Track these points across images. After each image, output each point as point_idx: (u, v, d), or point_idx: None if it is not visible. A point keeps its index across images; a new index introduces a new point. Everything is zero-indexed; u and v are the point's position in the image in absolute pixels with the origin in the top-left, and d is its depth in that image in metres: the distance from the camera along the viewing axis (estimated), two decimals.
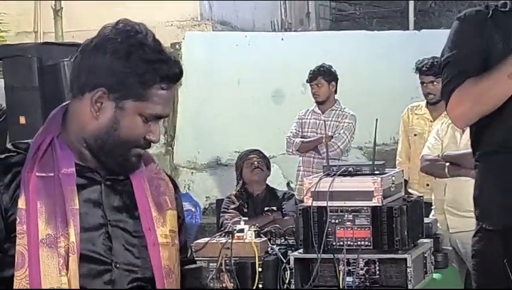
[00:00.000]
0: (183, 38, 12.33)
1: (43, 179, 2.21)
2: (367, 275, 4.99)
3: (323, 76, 8.12)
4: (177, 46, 12.13)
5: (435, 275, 5.50)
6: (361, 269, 4.99)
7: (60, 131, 2.29)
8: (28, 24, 14.16)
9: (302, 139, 8.30)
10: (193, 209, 9.07)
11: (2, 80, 9.57)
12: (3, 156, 2.30)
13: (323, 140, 7.68)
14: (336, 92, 8.30)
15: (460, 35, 3.48)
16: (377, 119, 5.78)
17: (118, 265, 2.24)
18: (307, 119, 8.44)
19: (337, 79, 8.21)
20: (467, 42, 3.42)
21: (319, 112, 8.38)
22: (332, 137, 8.06)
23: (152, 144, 2.41)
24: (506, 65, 3.15)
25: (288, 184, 9.43)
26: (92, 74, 2.21)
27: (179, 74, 2.30)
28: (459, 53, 3.39)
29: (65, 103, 2.35)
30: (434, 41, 7.56)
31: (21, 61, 9.38)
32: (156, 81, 2.20)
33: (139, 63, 2.20)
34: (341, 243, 4.98)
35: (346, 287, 4.96)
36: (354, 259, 4.95)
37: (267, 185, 7.61)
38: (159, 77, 2.21)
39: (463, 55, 3.37)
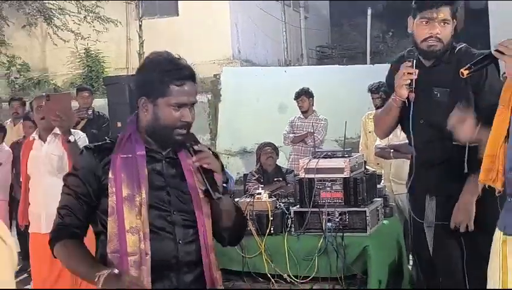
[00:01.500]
0: (222, 71, 13.25)
1: (125, 159, 2.75)
2: (340, 222, 5.58)
3: (305, 94, 9.10)
4: (217, 77, 13.07)
5: (384, 221, 6.08)
6: (337, 218, 5.58)
7: (135, 128, 2.81)
8: (122, 63, 15.33)
9: (293, 135, 9.18)
10: (230, 179, 9.60)
11: (106, 99, 11.06)
12: (101, 143, 2.92)
13: (308, 135, 8.81)
14: (313, 104, 9.22)
15: (388, 78, 4.08)
16: (346, 122, 6.71)
17: (174, 212, 2.76)
18: (295, 122, 9.33)
19: (313, 96, 9.14)
20: (388, 83, 4.06)
21: (303, 117, 9.26)
22: (314, 133, 8.67)
23: (198, 137, 2.99)
24: (389, 102, 3.78)
25: None
26: (138, 88, 2.82)
27: (188, 74, 2.73)
28: (388, 88, 4.02)
29: (136, 111, 2.84)
30: (382, 72, 8.87)
31: (118, 87, 10.31)
32: (172, 81, 2.68)
33: (159, 72, 2.69)
34: (323, 201, 5.65)
35: (326, 230, 5.52)
36: (331, 211, 5.60)
37: (276, 164, 8.25)
38: (173, 78, 2.70)
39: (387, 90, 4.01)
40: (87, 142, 5.11)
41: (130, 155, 2.73)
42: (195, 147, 2.74)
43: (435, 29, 3.62)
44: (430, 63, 3.76)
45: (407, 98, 3.62)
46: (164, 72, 2.69)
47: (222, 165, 2.93)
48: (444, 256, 3.75)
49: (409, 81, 3.57)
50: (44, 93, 5.63)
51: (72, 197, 2.77)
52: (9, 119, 9.27)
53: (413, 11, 3.73)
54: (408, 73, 3.55)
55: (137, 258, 2.68)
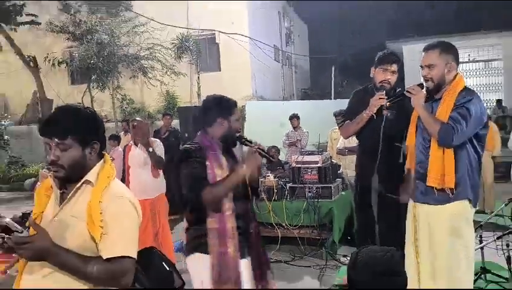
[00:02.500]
0: (246, 104, 13.07)
1: (214, 155, 2.69)
2: (316, 193, 5.71)
3: (295, 117, 8.87)
4: (243, 107, 12.79)
5: (342, 192, 6.19)
6: (314, 190, 5.72)
7: (210, 137, 2.75)
8: (187, 99, 15.15)
9: (288, 141, 8.87)
10: None
11: (178, 120, 10.90)
12: (192, 146, 2.73)
13: (297, 141, 8.69)
14: (299, 123, 8.91)
15: (350, 101, 3.87)
16: (319, 134, 7.16)
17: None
18: (289, 133, 8.95)
19: (299, 118, 8.88)
20: (351, 104, 3.83)
21: (294, 131, 8.92)
22: (300, 140, 8.70)
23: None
24: (362, 115, 3.54)
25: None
26: (213, 114, 2.76)
27: (236, 103, 2.83)
28: (347, 110, 3.87)
29: (205, 128, 2.76)
30: (341, 104, 8.23)
31: (185, 113, 10.26)
32: (233, 107, 2.80)
33: (225, 103, 2.77)
34: (306, 180, 5.81)
35: (308, 197, 5.66)
36: (311, 186, 5.74)
37: (278, 158, 7.89)
38: (233, 105, 2.81)
39: (348, 109, 3.83)
40: (162, 148, 5.33)
41: (215, 152, 2.71)
42: (248, 141, 2.78)
43: (387, 76, 3.53)
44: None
45: (381, 114, 3.48)
46: (228, 103, 2.81)
47: None
48: (384, 210, 3.56)
49: (382, 103, 3.42)
50: (137, 119, 5.68)
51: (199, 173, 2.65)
52: (122, 132, 9.32)
53: (376, 63, 3.62)
54: (380, 98, 3.41)
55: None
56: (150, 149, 5.08)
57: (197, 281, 2.70)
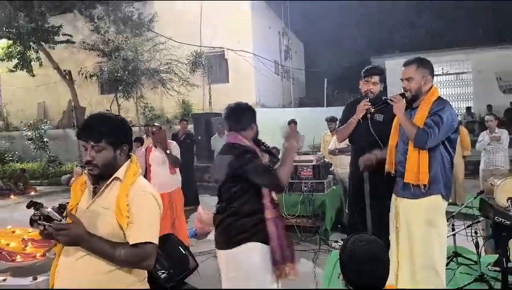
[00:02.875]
0: None
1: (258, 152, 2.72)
2: (311, 187, 5.73)
3: (293, 122, 8.42)
4: None
5: (333, 187, 6.20)
6: (309, 185, 5.74)
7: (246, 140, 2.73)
8: (200, 107, 15.02)
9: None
10: None
11: (193, 125, 10.94)
12: (245, 146, 2.71)
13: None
14: (296, 127, 8.38)
15: (343, 111, 3.86)
16: (313, 137, 7.07)
17: None
18: None
19: (297, 123, 8.43)
20: (344, 113, 3.80)
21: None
22: (298, 142, 9.00)
23: None
24: (351, 120, 3.55)
25: None
26: (247, 120, 2.77)
27: None
28: (342, 119, 3.84)
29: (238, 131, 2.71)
30: (332, 112, 8.55)
31: (199, 119, 10.57)
32: (255, 114, 2.84)
33: (253, 113, 2.85)
34: (303, 176, 5.81)
35: (304, 191, 5.69)
36: (306, 181, 5.75)
37: (278, 158, 8.48)
38: (255, 116, 2.86)
39: (343, 118, 3.80)
40: (178, 149, 5.44)
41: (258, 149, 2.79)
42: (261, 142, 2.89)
43: (370, 86, 3.56)
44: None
45: (367, 118, 3.49)
46: (255, 110, 2.90)
47: None
48: (374, 201, 3.49)
49: (366, 109, 3.45)
50: (156, 124, 5.86)
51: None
52: (144, 135, 9.33)
53: (361, 76, 3.64)
54: (365, 105, 3.44)
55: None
56: (168, 151, 5.19)
57: (253, 269, 2.52)
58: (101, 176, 1.86)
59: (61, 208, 1.75)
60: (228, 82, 15.62)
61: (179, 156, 5.42)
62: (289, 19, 19.45)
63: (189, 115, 14.16)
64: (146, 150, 5.59)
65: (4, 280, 4.71)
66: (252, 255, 2.53)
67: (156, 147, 5.38)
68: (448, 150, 2.83)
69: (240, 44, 14.92)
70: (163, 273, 3.82)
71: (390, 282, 2.77)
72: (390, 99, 2.94)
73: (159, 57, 14.85)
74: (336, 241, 5.50)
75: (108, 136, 1.83)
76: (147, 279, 1.95)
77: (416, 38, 20.84)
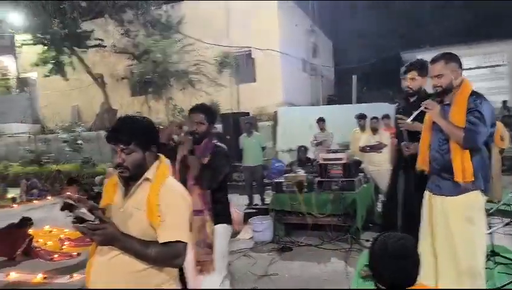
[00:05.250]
0: (278, 109, 13.02)
1: None
2: (341, 185, 5.59)
3: (321, 120, 8.67)
4: (276, 112, 12.87)
5: (364, 185, 6.04)
6: (339, 184, 5.61)
7: None
8: (228, 107, 14.81)
9: (316, 141, 8.60)
10: (282, 164, 9.59)
11: (221, 124, 10.93)
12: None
13: (323, 141, 8.44)
14: (325, 125, 8.68)
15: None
16: (343, 134, 7.14)
17: None
18: (317, 134, 8.70)
19: (325, 121, 8.66)
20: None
21: (320, 132, 8.70)
22: (326, 140, 8.45)
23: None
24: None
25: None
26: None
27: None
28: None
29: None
30: (361, 109, 8.66)
31: (227, 119, 10.67)
32: None
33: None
34: (332, 175, 5.70)
35: (334, 190, 5.57)
36: (336, 180, 5.63)
37: (306, 156, 8.12)
38: None
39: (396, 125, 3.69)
40: None
41: None
42: None
43: (407, 83, 3.50)
44: (412, 99, 3.52)
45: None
46: None
47: None
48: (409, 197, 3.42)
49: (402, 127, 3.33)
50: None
51: None
52: (175, 135, 9.44)
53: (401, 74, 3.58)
54: (400, 122, 3.35)
55: None
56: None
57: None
58: (132, 177, 1.89)
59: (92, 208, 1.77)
60: (255, 81, 15.64)
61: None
62: (316, 16, 19.30)
63: (217, 115, 14.28)
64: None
65: (44, 278, 4.92)
66: (225, 233, 3.07)
67: None
68: (487, 144, 2.77)
69: (267, 43, 14.89)
70: None
71: (426, 282, 2.73)
72: (425, 107, 2.88)
73: (188, 58, 15.04)
74: (368, 240, 5.37)
75: (137, 138, 1.86)
76: (178, 277, 1.97)
77: (448, 31, 20.22)
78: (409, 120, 3.12)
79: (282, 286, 4.15)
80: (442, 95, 2.85)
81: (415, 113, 3.05)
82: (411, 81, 3.49)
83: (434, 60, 2.85)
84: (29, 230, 6.13)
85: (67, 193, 11.72)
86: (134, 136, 1.86)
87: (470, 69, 16.04)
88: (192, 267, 2.81)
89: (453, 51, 2.94)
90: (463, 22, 20.88)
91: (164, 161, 1.97)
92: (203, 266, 2.84)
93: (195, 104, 3.14)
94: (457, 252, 2.72)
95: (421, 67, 3.50)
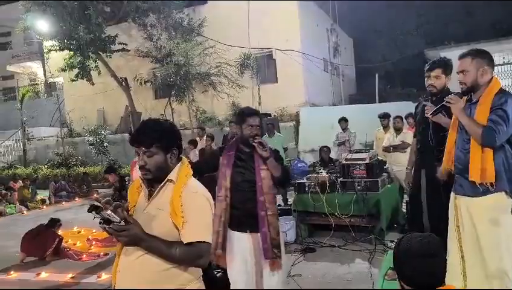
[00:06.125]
0: (300, 110, 13.12)
1: None
2: (364, 187, 5.53)
3: (344, 120, 8.63)
4: (298, 112, 12.95)
5: (388, 185, 6.01)
6: (363, 184, 5.55)
7: None
8: (250, 105, 15.57)
9: (338, 141, 8.62)
10: (305, 165, 9.21)
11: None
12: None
13: (346, 141, 8.43)
14: (347, 125, 8.67)
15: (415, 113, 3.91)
16: (366, 134, 6.83)
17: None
18: (339, 134, 8.68)
19: (348, 120, 8.65)
20: (416, 116, 3.86)
21: (343, 132, 8.63)
22: (348, 140, 8.42)
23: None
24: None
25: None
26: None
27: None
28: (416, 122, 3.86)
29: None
30: (384, 108, 8.34)
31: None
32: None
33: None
34: (355, 175, 5.65)
35: (357, 190, 5.49)
36: (359, 180, 5.57)
37: (329, 156, 8.05)
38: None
39: (417, 122, 3.83)
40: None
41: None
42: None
43: (431, 81, 3.44)
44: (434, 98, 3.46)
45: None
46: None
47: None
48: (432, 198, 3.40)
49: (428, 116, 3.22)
50: None
51: None
52: (197, 137, 9.51)
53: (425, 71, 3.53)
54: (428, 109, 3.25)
55: None
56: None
57: None
58: (155, 179, 1.92)
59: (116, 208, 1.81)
60: (277, 82, 15.63)
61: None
62: (337, 15, 19.15)
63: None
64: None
65: (72, 278, 5.04)
66: None
67: None
68: (511, 144, 2.68)
69: (287, 43, 14.86)
70: (218, 272, 3.94)
71: (454, 283, 2.67)
72: (447, 101, 2.81)
73: (209, 60, 15.15)
74: (392, 241, 5.29)
75: (159, 141, 1.89)
76: (201, 278, 1.98)
77: (473, 27, 19.74)
78: (429, 114, 3.07)
79: (305, 286, 4.13)
80: (468, 92, 2.79)
81: (437, 106, 3.00)
82: (435, 79, 3.44)
83: (461, 56, 2.80)
84: (59, 231, 6.29)
85: (95, 195, 11.98)
86: (156, 139, 1.88)
87: (498, 65, 15.61)
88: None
89: (479, 47, 2.87)
90: (489, 17, 20.31)
91: (186, 163, 1.99)
92: (273, 264, 2.90)
93: (249, 108, 3.17)
94: (484, 255, 2.67)
95: (446, 66, 3.43)
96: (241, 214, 2.91)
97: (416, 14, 21.80)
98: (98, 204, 1.77)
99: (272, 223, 2.91)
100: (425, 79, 3.51)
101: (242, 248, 2.92)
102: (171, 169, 1.93)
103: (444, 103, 2.87)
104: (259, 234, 2.91)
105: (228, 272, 2.98)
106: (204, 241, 1.84)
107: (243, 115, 3.00)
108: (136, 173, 4.42)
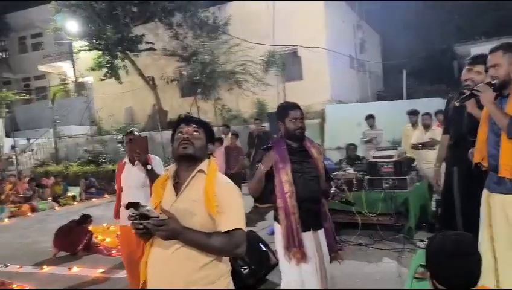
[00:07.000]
0: (325, 107, 13.07)
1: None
2: (392, 185, 5.45)
3: (371, 117, 8.47)
4: (323, 109, 12.87)
5: (417, 183, 5.88)
6: (391, 182, 5.47)
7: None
8: (275, 104, 15.65)
9: (365, 139, 8.45)
10: (331, 163, 9.10)
11: (268, 123, 11.07)
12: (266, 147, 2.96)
13: (373, 139, 8.27)
14: (374, 122, 8.50)
15: (446, 109, 3.87)
16: (394, 131, 7.01)
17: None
18: (366, 132, 8.52)
19: (375, 118, 8.49)
20: (448, 113, 3.78)
21: (370, 129, 8.51)
22: (376, 137, 8.29)
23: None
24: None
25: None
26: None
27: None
28: (447, 119, 3.83)
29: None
30: (413, 104, 8.32)
31: (273, 117, 10.60)
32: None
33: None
34: (383, 173, 5.56)
35: (385, 188, 5.42)
36: (387, 178, 5.49)
37: (355, 154, 7.83)
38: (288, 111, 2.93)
39: (447, 120, 3.80)
40: (162, 165, 3.92)
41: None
42: None
43: (471, 75, 3.26)
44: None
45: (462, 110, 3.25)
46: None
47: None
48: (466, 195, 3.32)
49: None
50: (134, 133, 4.10)
51: None
52: (223, 135, 9.57)
53: (466, 63, 3.38)
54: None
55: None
56: (149, 166, 3.72)
57: (276, 242, 2.92)
58: (191, 157, 1.94)
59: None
60: (302, 79, 15.55)
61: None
62: (363, 11, 18.88)
63: (262, 114, 14.29)
64: (117, 168, 4.16)
65: (103, 272, 5.16)
66: (276, 232, 2.92)
67: (133, 162, 3.89)
68: None
69: (313, 40, 14.76)
70: (245, 269, 3.96)
71: (486, 283, 2.56)
72: (476, 90, 2.73)
73: (234, 58, 15.23)
74: (421, 240, 5.19)
75: (204, 126, 2.04)
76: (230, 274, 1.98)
77: (503, 21, 19.08)
78: (456, 102, 2.99)
79: (333, 286, 4.09)
80: (501, 87, 2.69)
81: (464, 95, 2.89)
82: (476, 74, 3.28)
83: (493, 50, 2.72)
84: (89, 227, 6.45)
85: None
86: (204, 124, 2.05)
87: None
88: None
89: (510, 41, 2.76)
90: None
91: (213, 159, 2.03)
92: (337, 255, 3.00)
93: (288, 102, 3.13)
94: None
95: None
96: (305, 211, 2.79)
97: (445, 9, 21.24)
98: (138, 202, 1.78)
99: (330, 216, 2.98)
100: (464, 72, 3.36)
101: (307, 247, 2.79)
102: (202, 160, 1.97)
103: (473, 91, 2.77)
104: (319, 231, 2.88)
105: (288, 272, 2.81)
106: (240, 229, 1.86)
107: (283, 109, 2.92)
108: (122, 177, 3.93)
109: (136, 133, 4.25)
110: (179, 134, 1.98)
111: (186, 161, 1.95)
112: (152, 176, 3.63)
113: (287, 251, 2.75)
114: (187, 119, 2.03)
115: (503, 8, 20.28)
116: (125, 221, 3.54)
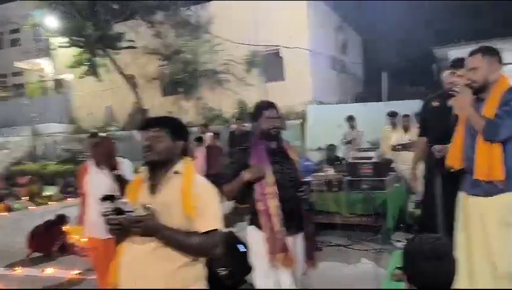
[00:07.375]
0: (306, 107, 13.02)
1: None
2: (371, 185, 5.47)
3: (351, 118, 8.55)
4: (304, 110, 12.86)
5: (395, 185, 5.93)
6: (370, 183, 5.48)
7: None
8: None
9: (345, 140, 8.51)
10: (311, 163, 9.01)
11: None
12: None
13: (353, 140, 8.30)
14: (355, 123, 8.57)
15: (421, 112, 3.78)
16: (373, 133, 7.05)
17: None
18: (346, 133, 8.61)
19: (355, 119, 8.54)
20: (421, 115, 3.75)
21: (350, 130, 8.56)
22: (356, 139, 8.31)
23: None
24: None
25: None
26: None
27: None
28: (420, 120, 3.77)
29: None
30: (392, 106, 8.28)
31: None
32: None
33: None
34: (362, 174, 5.55)
35: (364, 189, 5.44)
36: (366, 179, 5.51)
37: (335, 155, 7.94)
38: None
39: (420, 120, 3.76)
40: (131, 169, 3.78)
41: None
42: None
43: (454, 78, 3.21)
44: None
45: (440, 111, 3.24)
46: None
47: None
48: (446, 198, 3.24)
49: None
50: (100, 134, 3.67)
51: None
52: (200, 134, 9.45)
53: (449, 66, 3.35)
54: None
55: None
56: (115, 172, 3.49)
57: (252, 247, 2.75)
58: (156, 165, 1.91)
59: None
60: (283, 80, 15.55)
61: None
62: (345, 12, 19.00)
63: (244, 114, 14.20)
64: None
65: (78, 274, 5.03)
66: (252, 236, 2.75)
67: (99, 167, 3.61)
68: None
69: (295, 41, 14.79)
70: (224, 270, 3.90)
71: (461, 285, 2.57)
72: (454, 90, 2.72)
73: (216, 58, 15.11)
74: (399, 241, 5.27)
75: (166, 125, 1.95)
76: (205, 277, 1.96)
77: (482, 25, 19.50)
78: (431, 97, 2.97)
79: (310, 286, 4.09)
80: (478, 90, 2.70)
81: (437, 96, 2.91)
82: (459, 77, 3.22)
83: (472, 53, 2.72)
84: (65, 227, 6.28)
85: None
86: (163, 123, 1.96)
87: (507, 64, 15.42)
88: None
89: (489, 45, 2.78)
90: (498, 15, 20.08)
91: (189, 159, 2.00)
92: (312, 262, 2.81)
93: (263, 101, 2.93)
94: (493, 257, 2.59)
95: None
96: (287, 214, 2.64)
97: (425, 13, 21.58)
98: (113, 193, 1.75)
99: (310, 219, 2.85)
100: (445, 75, 3.35)
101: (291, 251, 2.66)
102: (175, 160, 1.93)
103: (451, 92, 2.78)
104: (298, 234, 2.74)
105: (257, 275, 2.70)
106: (218, 230, 1.86)
107: (258, 108, 2.79)
108: (86, 184, 3.62)
109: (102, 134, 3.86)
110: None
111: (154, 166, 1.93)
112: (121, 182, 3.34)
113: (272, 257, 2.59)
114: (145, 124, 1.98)
115: (481, 14, 20.73)
116: (93, 231, 3.39)
